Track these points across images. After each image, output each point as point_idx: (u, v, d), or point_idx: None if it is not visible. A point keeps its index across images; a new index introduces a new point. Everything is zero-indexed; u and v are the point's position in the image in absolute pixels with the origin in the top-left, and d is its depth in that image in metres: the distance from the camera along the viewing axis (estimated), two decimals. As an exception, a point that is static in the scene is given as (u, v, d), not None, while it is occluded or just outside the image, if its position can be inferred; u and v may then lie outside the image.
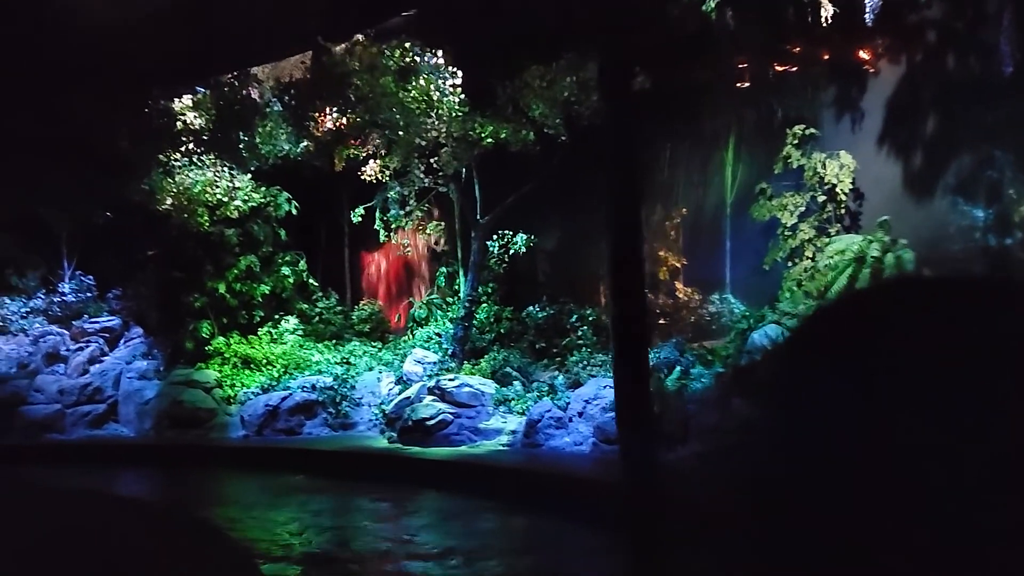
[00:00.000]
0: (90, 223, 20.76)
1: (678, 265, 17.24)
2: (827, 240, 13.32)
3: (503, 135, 14.75)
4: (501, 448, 12.81)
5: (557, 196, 16.58)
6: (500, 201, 16.37)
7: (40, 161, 14.16)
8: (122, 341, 20.00)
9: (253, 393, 16.58)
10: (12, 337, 20.20)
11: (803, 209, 13.83)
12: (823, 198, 13.59)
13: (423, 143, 15.47)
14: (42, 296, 21.31)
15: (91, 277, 21.73)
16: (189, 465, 14.47)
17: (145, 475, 14.17)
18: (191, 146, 14.94)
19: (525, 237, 16.83)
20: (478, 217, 16.53)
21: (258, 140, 14.91)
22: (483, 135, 14.76)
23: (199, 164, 15.42)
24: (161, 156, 15.12)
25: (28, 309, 20.92)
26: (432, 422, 13.36)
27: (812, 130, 13.73)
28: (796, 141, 13.81)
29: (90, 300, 21.51)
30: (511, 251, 16.90)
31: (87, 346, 19.49)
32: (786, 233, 13.93)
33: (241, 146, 14.37)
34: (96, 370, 18.49)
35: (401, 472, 12.21)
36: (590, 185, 16.51)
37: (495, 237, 16.88)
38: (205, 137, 14.66)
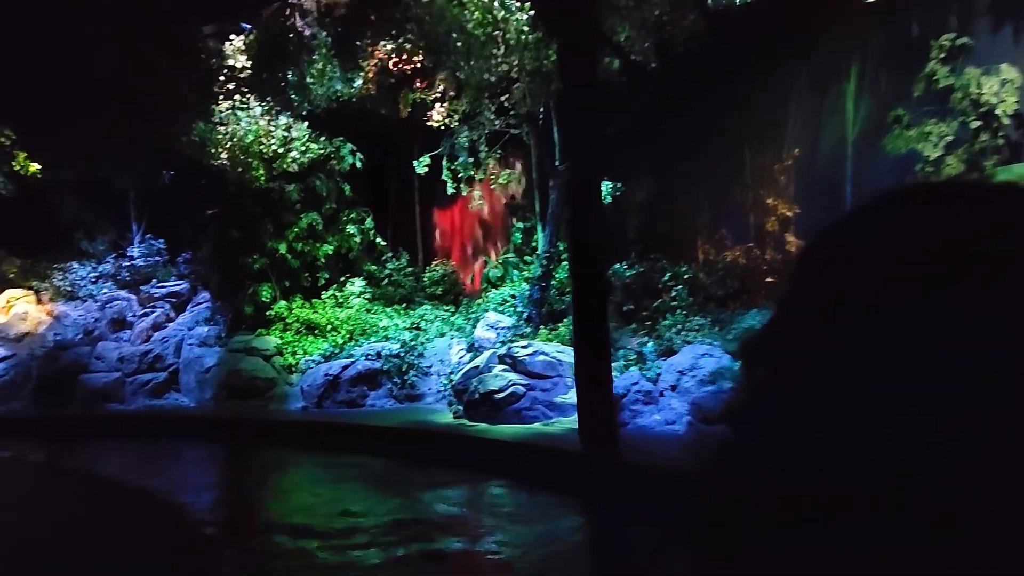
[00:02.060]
0: (153, 183, 19.94)
1: (789, 214, 14.93)
2: (983, 175, 10.79)
3: (583, 64, 12.68)
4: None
5: (648, 136, 14.46)
6: (582, 144, 14.36)
7: (81, 108, 12.99)
8: (189, 306, 19.12)
9: (315, 361, 15.28)
10: (81, 303, 19.63)
11: (951, 138, 11.29)
12: (977, 123, 11.02)
13: (492, 78, 13.59)
14: (111, 261, 20.69)
15: (161, 240, 20.99)
16: (238, 440, 13.24)
17: (181, 451, 12.99)
18: (233, 86, 13.45)
19: (611, 185, 14.79)
20: (556, 164, 14.57)
21: (309, 80, 13.31)
22: (559, 63, 12.73)
23: (244, 107, 13.97)
24: (210, 103, 13.72)
25: (97, 274, 20.32)
26: (501, 395, 11.63)
27: (965, 39, 11.12)
28: (943, 55, 11.24)
29: (159, 264, 20.77)
30: (595, 202, 14.86)
31: (152, 312, 18.69)
32: (928, 168, 11.44)
33: (287, 86, 12.79)
34: (158, 336, 17.61)
35: (462, 454, 10.54)
36: (687, 122, 14.42)
37: (577, 186, 14.89)
38: (248, 75, 13.12)
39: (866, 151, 13.40)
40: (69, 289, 19.86)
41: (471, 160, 15.21)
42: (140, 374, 16.62)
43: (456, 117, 15.00)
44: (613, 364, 12.27)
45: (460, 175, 15.60)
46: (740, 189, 15.42)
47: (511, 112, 14.11)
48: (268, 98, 13.89)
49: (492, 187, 16.37)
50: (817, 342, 0.60)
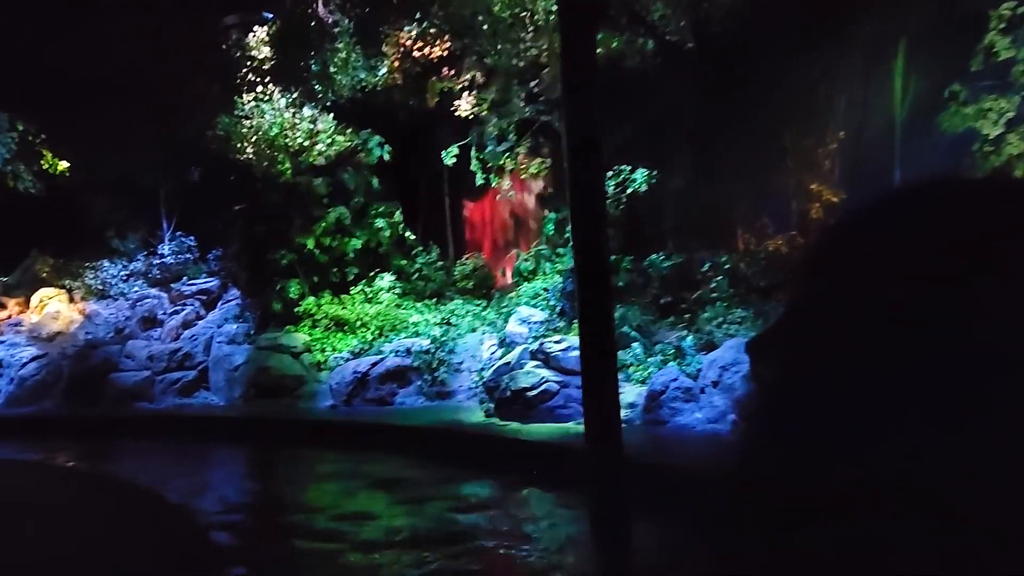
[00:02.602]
0: (182, 179, 19.79)
1: (834, 200, 14.22)
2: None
3: (615, 45, 12.16)
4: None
5: (685, 121, 13.87)
6: (615, 130, 13.80)
7: (101, 102, 12.79)
8: (220, 303, 18.95)
9: (344, 358, 14.95)
10: (112, 301, 19.56)
11: (1012, 115, 10.55)
12: (1041, 98, 10.27)
13: (521, 63, 13.10)
14: (142, 258, 20.60)
15: (192, 238, 20.88)
16: (262, 440, 12.94)
17: (202, 452, 12.72)
18: (256, 77, 13.11)
19: (646, 172, 14.23)
20: (589, 151, 14.02)
21: (332, 69, 12.94)
22: (590, 46, 12.21)
23: (267, 98, 13.63)
24: (232, 95, 13.42)
25: (128, 272, 20.25)
26: (534, 393, 11.16)
27: (1027, 7, 10.36)
28: (1003, 26, 10.49)
29: (190, 262, 20.66)
30: (629, 190, 14.34)
31: (182, 310, 18.54)
32: (987, 148, 10.71)
33: (310, 75, 12.43)
34: (187, 335, 17.44)
35: (491, 456, 10.09)
36: (725, 105, 13.78)
37: (610, 174, 14.35)
38: (271, 65, 12.75)
39: (917, 132, 12.68)
40: (100, 288, 19.81)
41: (500, 149, 14.74)
42: (169, 372, 16.45)
43: (484, 105, 14.55)
44: (650, 359, 11.79)
45: (489, 165, 15.15)
46: (781, 175, 14.74)
47: (541, 98, 13.61)
48: (292, 89, 13.54)
49: (523, 177, 15.89)
50: (827, 339, 0.57)
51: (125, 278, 20.09)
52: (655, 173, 14.31)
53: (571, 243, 14.50)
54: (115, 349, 17.17)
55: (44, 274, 20.57)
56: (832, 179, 14.41)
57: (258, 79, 14.00)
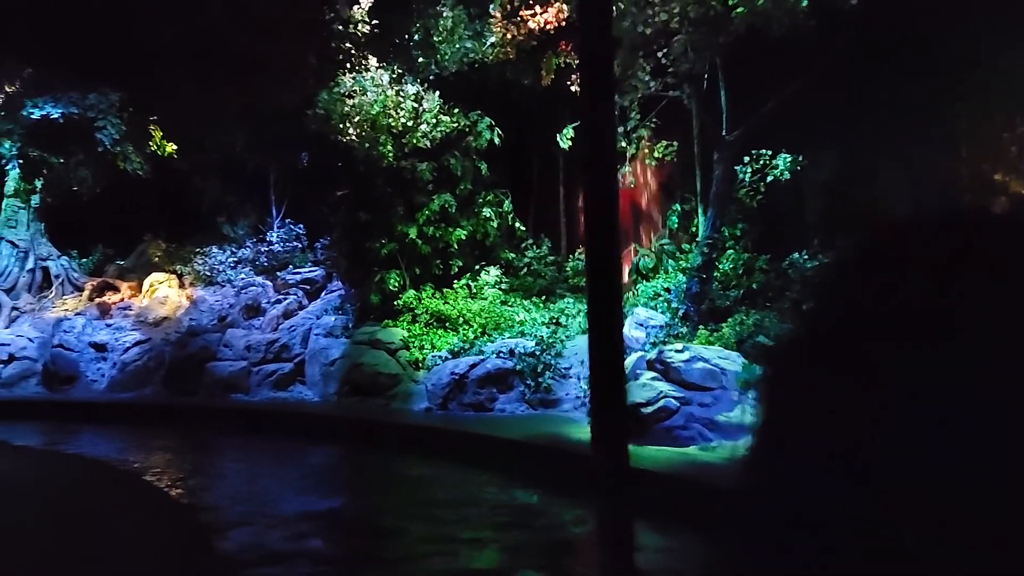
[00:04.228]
0: (289, 163, 19.28)
1: (1022, 193, 11.88)
2: None
3: (760, 4, 10.35)
4: (748, 454, 8.67)
5: (838, 99, 11.88)
6: (755, 109, 11.96)
7: (203, 78, 12.04)
8: (323, 293, 18.26)
9: (443, 357, 13.75)
10: (219, 288, 19.23)
11: None
12: None
13: (647, 31, 11.46)
14: (250, 245, 20.25)
15: (301, 226, 20.40)
16: (344, 442, 11.87)
17: (271, 451, 11.74)
18: (354, 49, 12.05)
19: (789, 159, 12.34)
20: (723, 133, 12.24)
21: (436, 38, 11.70)
22: (732, 4, 10.47)
23: (365, 69, 12.54)
24: (330, 68, 12.43)
25: (236, 259, 19.91)
26: (649, 409, 9.51)
27: None
28: None
29: (297, 250, 20.16)
30: (769, 179, 12.48)
31: (285, 299, 17.92)
32: None
33: (412, 45, 11.23)
34: (286, 325, 16.73)
35: (594, 483, 8.53)
36: (888, 79, 11.71)
37: (747, 160, 12.52)
38: (370, 34, 11.63)
39: None
40: (208, 274, 19.55)
41: (621, 131, 13.13)
42: (266, 364, 15.76)
43: (605, 82, 12.97)
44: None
45: (608, 149, 13.56)
46: (954, 162, 12.47)
47: (669, 70, 11.91)
48: (392, 58, 12.39)
49: (646, 163, 14.21)
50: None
51: (233, 265, 19.75)
52: (800, 159, 12.37)
53: (702, 238, 12.76)
54: (215, 337, 16.67)
55: (156, 258, 20.56)
56: (1019, 168, 12.07)
57: (358, 52, 12.96)
